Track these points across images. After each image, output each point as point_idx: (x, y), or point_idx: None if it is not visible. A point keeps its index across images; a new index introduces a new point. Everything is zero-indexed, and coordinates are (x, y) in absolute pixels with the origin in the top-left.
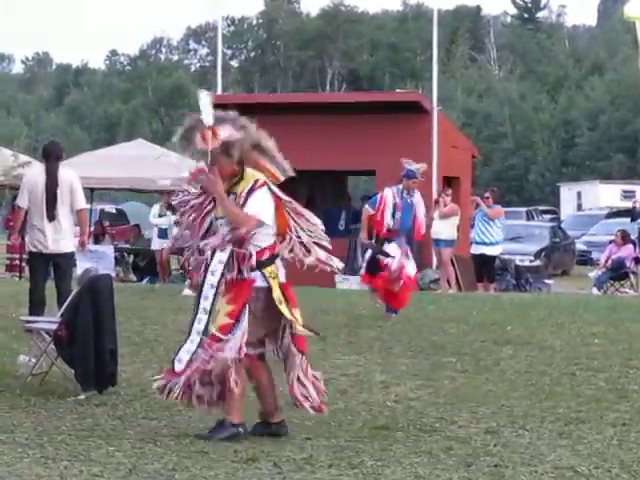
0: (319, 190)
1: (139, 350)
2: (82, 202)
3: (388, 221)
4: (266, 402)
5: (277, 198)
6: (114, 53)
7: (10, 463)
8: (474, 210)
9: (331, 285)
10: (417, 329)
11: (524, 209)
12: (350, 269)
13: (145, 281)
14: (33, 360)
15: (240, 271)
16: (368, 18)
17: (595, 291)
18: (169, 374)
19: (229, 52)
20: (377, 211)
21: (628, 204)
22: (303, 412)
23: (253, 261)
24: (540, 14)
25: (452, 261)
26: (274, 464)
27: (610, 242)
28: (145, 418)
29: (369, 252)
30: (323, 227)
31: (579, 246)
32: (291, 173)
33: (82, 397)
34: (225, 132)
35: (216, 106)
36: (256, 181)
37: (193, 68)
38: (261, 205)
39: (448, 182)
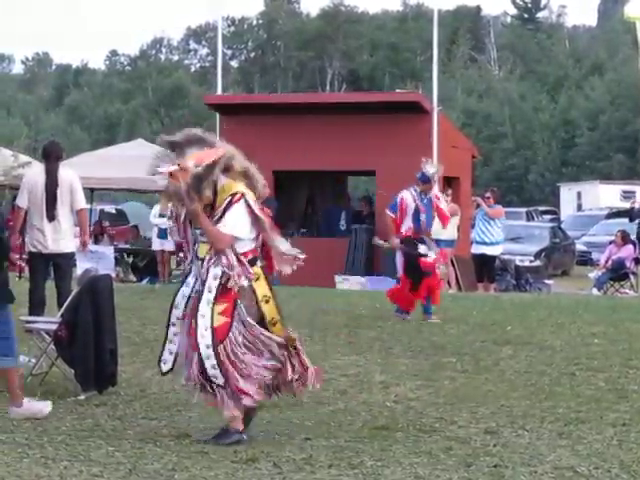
0: (319, 190)
1: (139, 350)
2: (82, 202)
3: (409, 224)
4: None
5: (252, 211)
6: (114, 53)
7: (10, 463)
8: (475, 210)
9: (331, 285)
10: (417, 329)
11: (524, 209)
12: (350, 269)
13: (145, 281)
14: (33, 360)
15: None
16: (368, 18)
17: (595, 291)
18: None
19: (229, 52)
20: (399, 215)
21: (628, 204)
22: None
23: (243, 281)
24: (540, 14)
25: (452, 261)
26: (274, 464)
27: (610, 242)
28: (145, 418)
29: (400, 255)
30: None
31: (579, 246)
32: (266, 194)
33: (82, 397)
34: (189, 162)
35: (217, 106)
36: (233, 195)
37: (193, 68)
38: (237, 220)
39: (448, 182)
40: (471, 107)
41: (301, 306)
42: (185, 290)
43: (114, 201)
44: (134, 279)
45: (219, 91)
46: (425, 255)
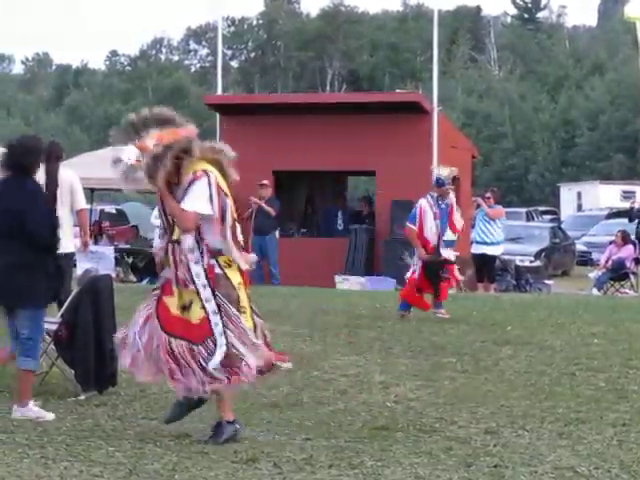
0: (319, 190)
1: None
2: (82, 202)
3: (430, 236)
4: None
5: (219, 187)
6: (114, 53)
7: (10, 463)
8: (475, 210)
9: (331, 285)
10: (417, 329)
11: (524, 210)
12: (350, 269)
13: (145, 281)
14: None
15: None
16: (368, 18)
17: (595, 291)
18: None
19: (229, 52)
20: (420, 225)
21: (628, 204)
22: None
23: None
24: (540, 14)
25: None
26: (274, 464)
27: (610, 243)
28: (145, 418)
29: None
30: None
31: (579, 247)
32: (236, 178)
33: (82, 397)
34: (149, 141)
35: (217, 107)
36: (195, 172)
37: (193, 68)
38: (198, 197)
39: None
40: (471, 107)
41: (301, 306)
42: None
43: (114, 201)
44: (134, 279)
45: (219, 91)
46: (450, 262)
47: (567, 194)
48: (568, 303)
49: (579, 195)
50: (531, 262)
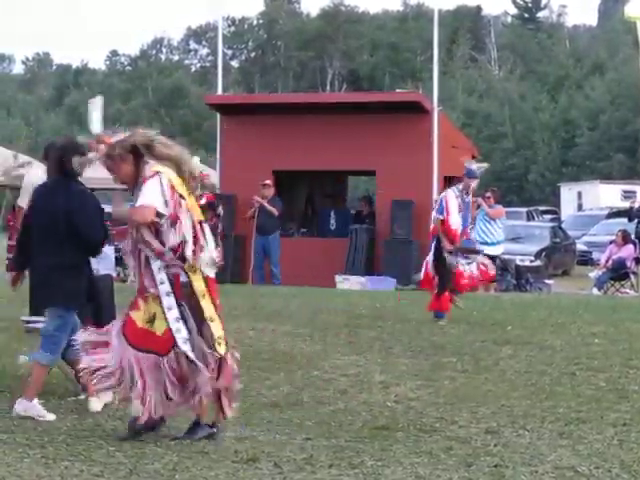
0: (319, 190)
1: None
2: None
3: (457, 225)
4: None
5: (173, 189)
6: (114, 53)
7: (11, 463)
8: (475, 210)
9: (331, 285)
10: (417, 329)
11: (524, 209)
12: (350, 269)
13: None
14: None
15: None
16: (368, 18)
17: (595, 291)
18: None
19: (229, 52)
20: (447, 216)
21: (628, 204)
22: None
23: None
24: (540, 14)
25: None
26: (275, 464)
27: (610, 242)
28: None
29: (431, 258)
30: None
31: (579, 246)
32: (197, 173)
33: (83, 397)
34: (115, 137)
35: (217, 106)
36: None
37: (193, 68)
38: (148, 194)
39: (448, 182)
40: (471, 107)
41: (301, 306)
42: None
43: None
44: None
45: (219, 91)
46: (477, 252)
47: (567, 194)
48: (568, 303)
49: (579, 195)
50: (531, 262)
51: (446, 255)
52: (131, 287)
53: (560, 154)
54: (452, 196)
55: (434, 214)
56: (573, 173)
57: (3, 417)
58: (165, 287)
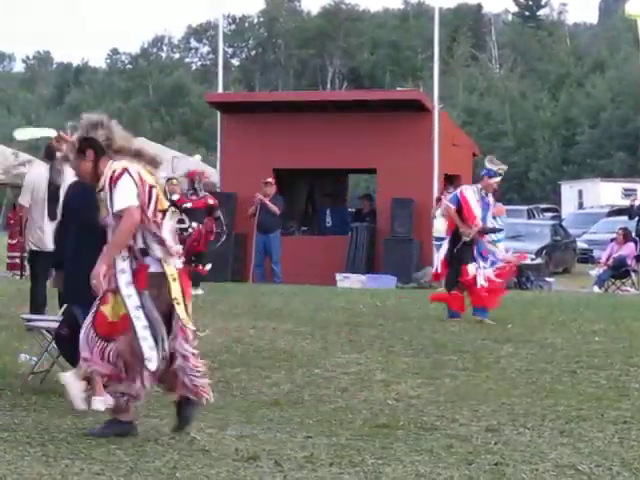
0: (319, 188)
1: None
2: None
3: (479, 216)
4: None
5: (143, 181)
6: (115, 52)
7: (11, 462)
8: None
9: (332, 283)
10: (418, 327)
11: (525, 207)
12: (350, 267)
13: None
14: (34, 359)
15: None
16: (369, 16)
17: (596, 289)
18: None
19: (230, 50)
20: (463, 207)
21: (628, 202)
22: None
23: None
24: (541, 12)
25: None
26: (275, 462)
27: (611, 240)
28: (146, 416)
29: (442, 253)
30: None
31: (580, 244)
32: (161, 163)
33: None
34: (74, 136)
35: (218, 105)
36: (114, 171)
37: (194, 67)
38: (125, 193)
39: (449, 180)
40: (472, 105)
41: (302, 304)
42: None
43: None
44: None
45: (220, 89)
46: (495, 230)
47: (568, 192)
48: (569, 301)
49: (580, 193)
50: (532, 260)
51: (460, 249)
52: None
53: (561, 152)
54: (470, 191)
55: (446, 202)
56: (574, 171)
57: (4, 415)
58: (126, 277)
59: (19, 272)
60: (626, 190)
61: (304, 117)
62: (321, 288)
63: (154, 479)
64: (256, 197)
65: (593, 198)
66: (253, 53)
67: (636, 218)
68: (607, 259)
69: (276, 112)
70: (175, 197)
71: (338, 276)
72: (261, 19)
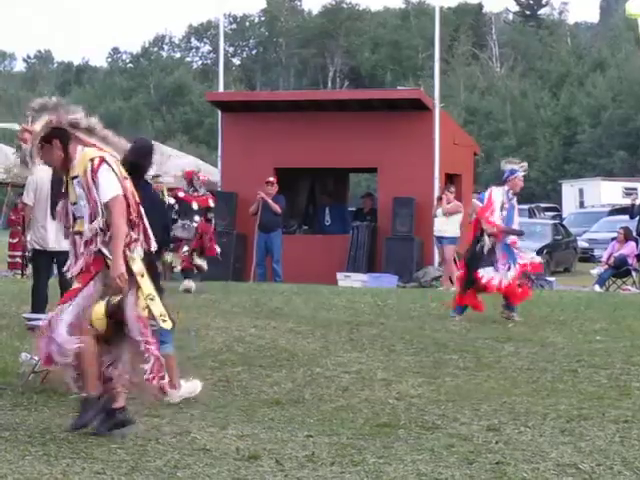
0: (320, 187)
1: None
2: None
3: (498, 217)
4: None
5: (120, 172)
6: (116, 51)
7: (13, 461)
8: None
9: (333, 282)
10: (419, 326)
11: (526, 206)
12: (352, 266)
13: None
14: (35, 358)
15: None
16: (370, 15)
17: (597, 288)
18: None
19: (231, 49)
20: (486, 208)
21: (629, 201)
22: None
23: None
24: (542, 11)
25: (455, 259)
26: (276, 462)
27: (612, 239)
28: (147, 416)
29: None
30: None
31: (581, 243)
32: (126, 147)
33: (84, 395)
34: (37, 124)
35: (219, 104)
36: (92, 160)
37: (195, 66)
38: (111, 181)
39: (450, 179)
40: (473, 104)
41: (303, 303)
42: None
43: None
44: None
45: (221, 88)
46: (520, 233)
47: (569, 191)
48: (570, 300)
49: (581, 192)
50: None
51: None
52: None
53: (562, 151)
54: (498, 193)
55: (475, 202)
56: (575, 170)
57: (5, 414)
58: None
59: (20, 271)
60: (627, 189)
61: (305, 116)
62: (322, 287)
63: (155, 478)
64: (259, 195)
65: (594, 197)
66: (254, 52)
67: (637, 217)
68: (608, 258)
69: (277, 111)
70: (180, 194)
71: (339, 275)
72: (262, 18)
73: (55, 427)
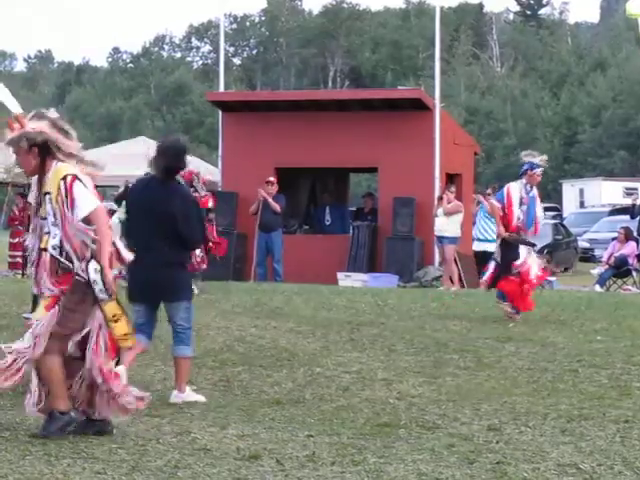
0: (321, 187)
1: None
2: None
3: (518, 215)
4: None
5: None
6: (116, 51)
7: (13, 461)
8: (476, 207)
9: (333, 282)
10: (419, 326)
11: None
12: (352, 266)
13: None
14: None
15: (70, 260)
16: (370, 15)
17: (598, 288)
18: None
19: (231, 49)
20: (505, 205)
21: (630, 201)
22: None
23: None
24: (542, 11)
25: (455, 259)
26: (277, 461)
27: (613, 239)
28: (147, 415)
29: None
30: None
31: (582, 243)
32: (101, 169)
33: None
34: (33, 124)
35: (219, 103)
36: (65, 177)
37: (195, 65)
38: (87, 195)
39: (450, 179)
40: (473, 104)
41: (303, 303)
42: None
43: None
44: None
45: (221, 88)
46: (532, 245)
47: (569, 191)
48: (571, 300)
49: (581, 192)
50: None
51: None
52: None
53: (562, 151)
54: (515, 188)
55: (493, 202)
56: (575, 170)
57: (5, 414)
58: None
59: (20, 271)
60: (627, 189)
61: (305, 116)
62: (323, 287)
63: (155, 478)
64: (259, 193)
65: (594, 197)
66: (254, 52)
67: (637, 217)
68: (608, 258)
69: (277, 111)
70: None
71: (340, 275)
72: (262, 18)
73: None
